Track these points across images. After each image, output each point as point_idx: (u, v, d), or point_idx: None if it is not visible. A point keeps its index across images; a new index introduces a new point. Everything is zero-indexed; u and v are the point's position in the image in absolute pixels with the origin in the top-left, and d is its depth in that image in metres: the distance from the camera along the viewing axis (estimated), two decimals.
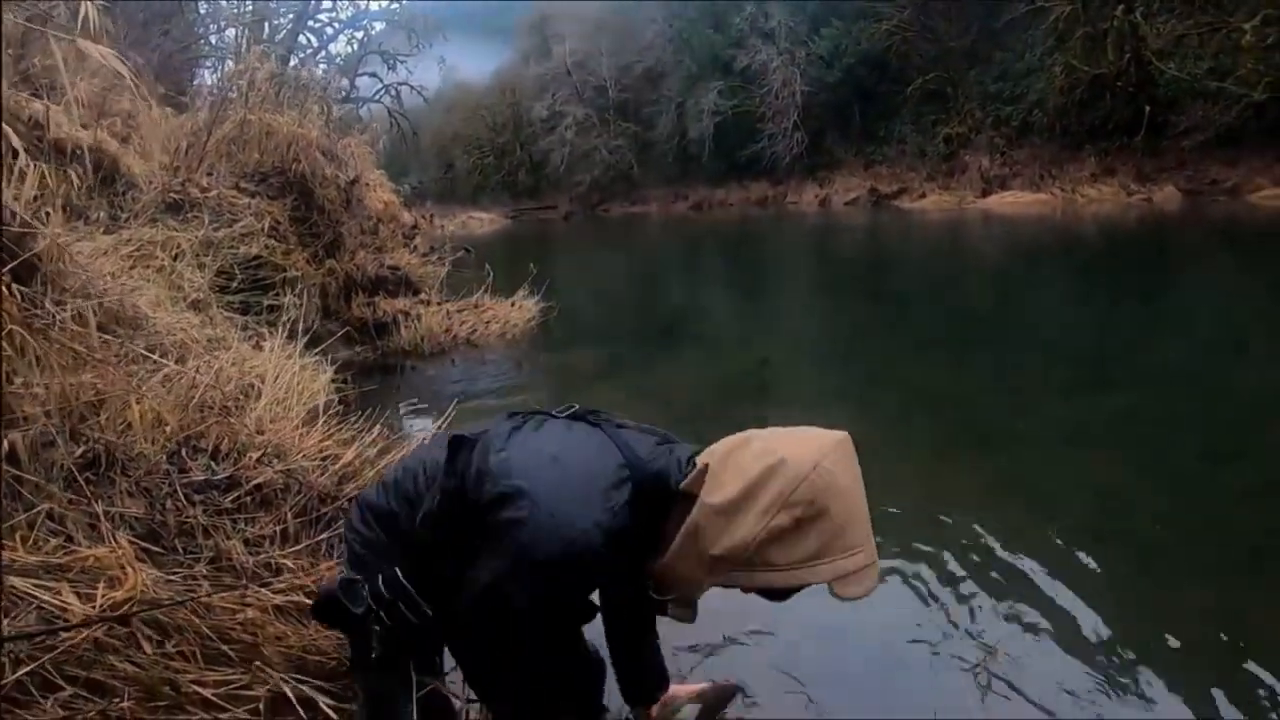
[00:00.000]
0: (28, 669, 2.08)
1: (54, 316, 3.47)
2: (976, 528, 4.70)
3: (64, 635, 2.18)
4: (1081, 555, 4.38)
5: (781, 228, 33.42)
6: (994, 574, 4.22)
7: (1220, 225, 22.71)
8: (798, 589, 1.89)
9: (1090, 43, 32.61)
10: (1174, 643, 3.65)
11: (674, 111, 49.34)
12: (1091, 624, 3.80)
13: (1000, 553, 4.43)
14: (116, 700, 2.14)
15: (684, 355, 10.03)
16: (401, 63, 36.75)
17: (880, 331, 11.22)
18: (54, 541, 2.63)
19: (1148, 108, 30.66)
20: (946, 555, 4.44)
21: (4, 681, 2.03)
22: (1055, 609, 3.93)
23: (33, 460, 3.00)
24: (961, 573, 4.26)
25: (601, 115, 53.85)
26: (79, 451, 3.21)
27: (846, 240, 27.46)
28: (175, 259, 7.11)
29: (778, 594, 1.92)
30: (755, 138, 44.75)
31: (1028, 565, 4.30)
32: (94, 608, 2.36)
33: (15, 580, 2.33)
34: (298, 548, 3.28)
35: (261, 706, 2.42)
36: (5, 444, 2.74)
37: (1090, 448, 6.09)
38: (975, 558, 4.41)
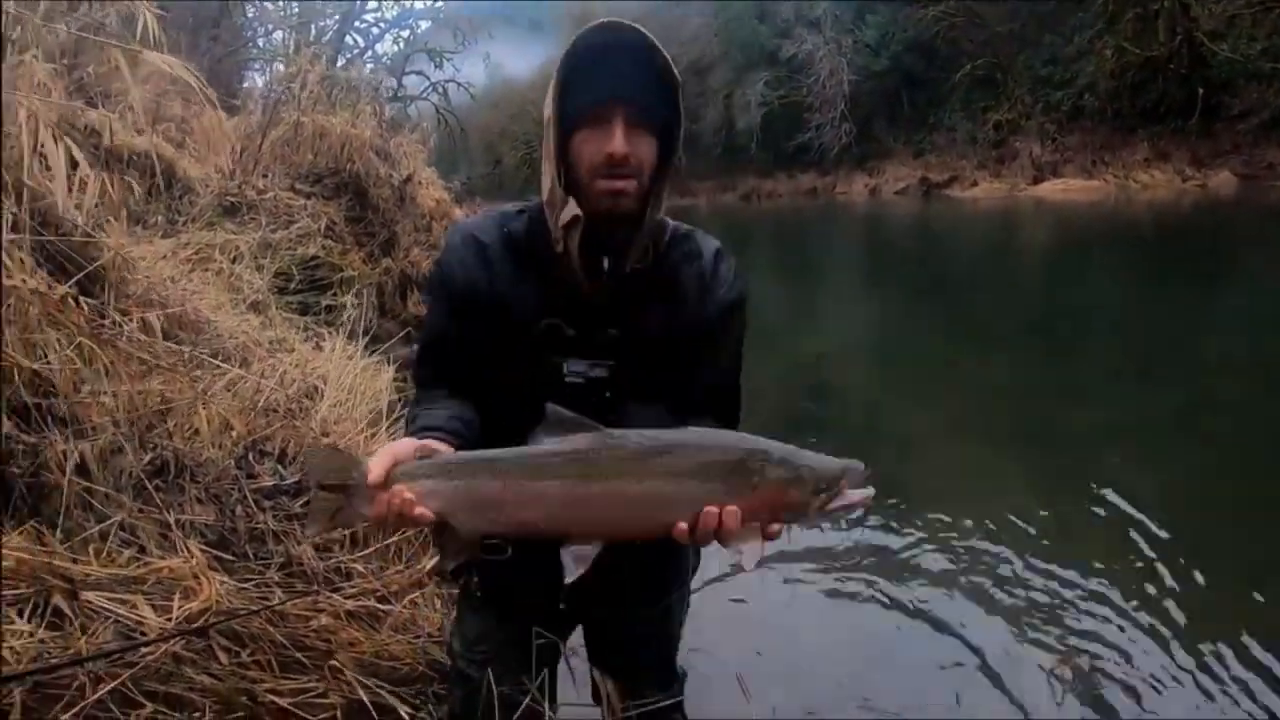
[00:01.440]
0: (108, 687, 2.07)
1: (121, 326, 3.48)
2: (1037, 526, 4.66)
3: (143, 650, 2.17)
4: (1145, 550, 4.35)
5: (831, 219, 33.24)
6: (1060, 573, 4.17)
7: (1278, 210, 22.25)
8: None
9: (1141, 24, 32.09)
10: (1248, 640, 3.59)
11: (721, 103, 49.16)
12: (1162, 623, 3.78)
13: (1062, 551, 4.42)
14: (197, 715, 2.13)
15: (747, 351, 9.97)
16: (448, 60, 36.83)
17: (935, 324, 11.18)
18: (127, 553, 2.63)
19: (1201, 90, 30.12)
20: (1008, 554, 4.46)
21: (85, 702, 2.02)
22: (1123, 608, 3.91)
23: (102, 470, 3.01)
24: (1027, 574, 4.23)
25: None
26: (146, 459, 3.21)
27: (898, 231, 27.29)
28: (234, 261, 7.13)
29: None
30: (803, 128, 44.57)
31: (1092, 564, 4.28)
32: (170, 620, 2.36)
33: (90, 595, 2.33)
34: (366, 551, 3.27)
35: (339, 715, 2.40)
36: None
37: (1150, 441, 6.04)
38: (1038, 559, 4.39)
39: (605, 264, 1.91)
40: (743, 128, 47.15)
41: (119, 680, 2.09)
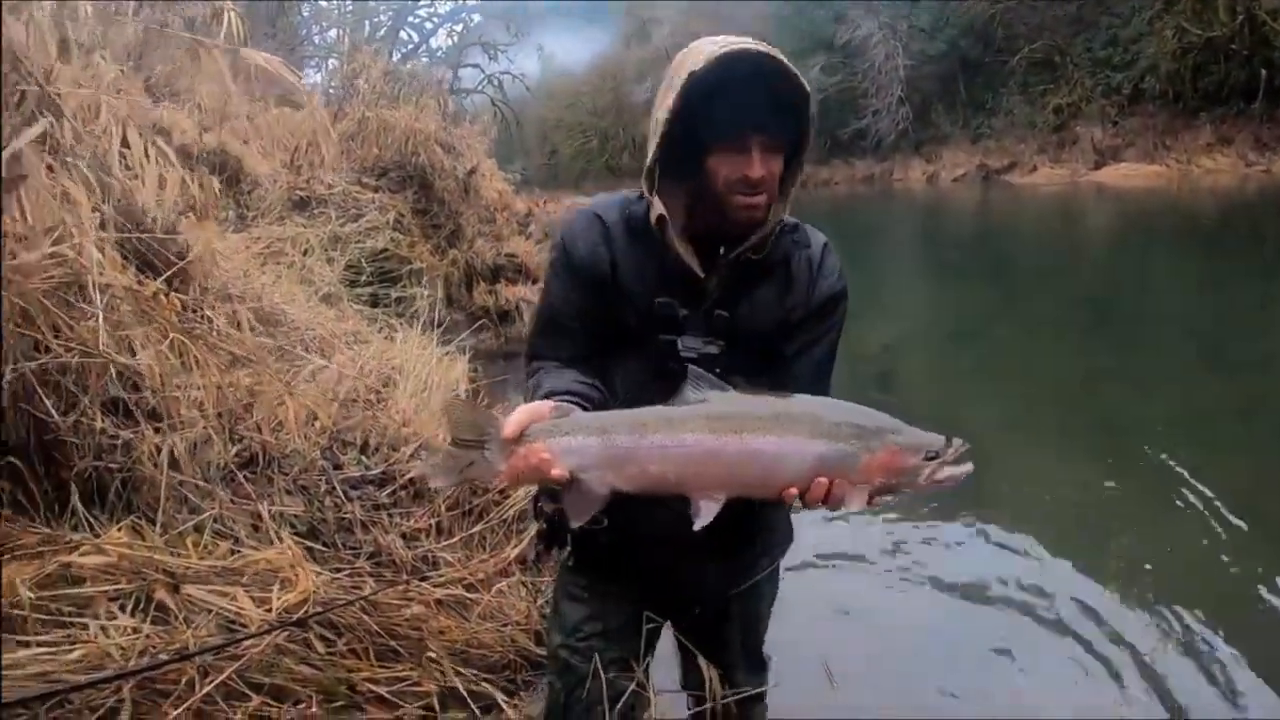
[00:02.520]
0: (215, 681, 2.11)
1: (211, 321, 3.54)
2: (1110, 523, 4.62)
3: (247, 643, 2.21)
4: (1217, 551, 4.28)
5: (889, 206, 32.97)
6: (1134, 571, 4.10)
7: None
8: None
9: (1200, 3, 31.35)
10: None
11: None
12: (1236, 620, 3.71)
13: (1135, 549, 4.35)
14: (302, 705, 2.16)
15: None
16: (502, 52, 37.02)
17: (998, 314, 11.03)
18: (224, 545, 2.67)
19: (1264, 72, 29.40)
20: (1083, 545, 4.43)
21: (193, 697, 2.05)
22: (1210, 602, 3.82)
23: (192, 463, 3.06)
24: (1104, 565, 4.18)
25: None
26: (234, 451, 3.27)
27: (958, 218, 27.00)
28: (305, 255, 7.23)
29: None
30: (859, 114, 44.12)
31: (1165, 561, 4.22)
32: (270, 612, 2.40)
33: (191, 589, 2.37)
34: (452, 540, 3.31)
35: (435, 702, 2.43)
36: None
37: (1219, 435, 5.95)
38: (1114, 559, 4.30)
39: (721, 251, 2.01)
40: None
41: (225, 674, 2.13)
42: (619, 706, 2.18)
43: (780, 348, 2.11)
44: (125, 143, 4.67)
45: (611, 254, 2.06)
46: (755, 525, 2.20)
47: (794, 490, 1.79)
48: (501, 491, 3.57)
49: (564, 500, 1.86)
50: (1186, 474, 5.22)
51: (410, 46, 36.54)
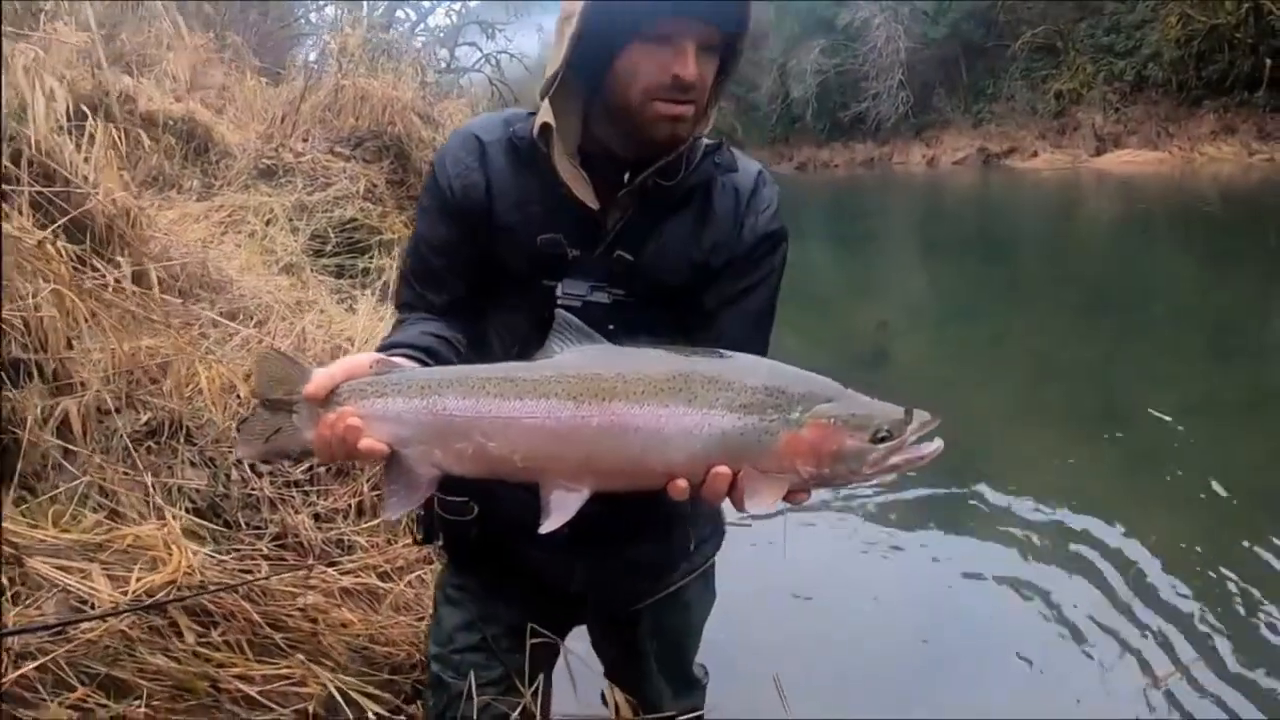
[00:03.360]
0: (34, 664, 1.80)
1: (110, 277, 3.24)
2: (1109, 504, 4.43)
3: (83, 627, 1.90)
4: (1221, 533, 4.10)
5: (889, 189, 32.78)
6: (1136, 561, 3.86)
7: None
8: None
9: None
10: None
11: (776, 72, 48.43)
12: (1239, 604, 3.53)
13: (1135, 536, 4.11)
14: (135, 702, 1.85)
15: (797, 320, 9.70)
16: (500, 31, 36.75)
17: (998, 296, 10.87)
18: (91, 518, 2.37)
19: (1269, 61, 29.12)
20: (1078, 534, 4.19)
21: (4, 679, 1.74)
22: (1204, 591, 3.65)
23: (91, 430, 2.77)
24: (1097, 557, 3.96)
25: None
26: (143, 420, 2.98)
27: (957, 201, 26.84)
28: (268, 224, 6.99)
29: None
30: (859, 97, 43.77)
31: (1167, 547, 4.01)
32: (127, 594, 2.09)
33: (38, 563, 2.06)
34: (374, 523, 3.01)
35: (313, 706, 2.12)
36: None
37: (1223, 419, 5.77)
38: (1111, 540, 4.11)
39: (625, 178, 1.65)
40: (798, 97, 46.34)
41: (49, 657, 1.82)
42: None
43: (699, 299, 1.74)
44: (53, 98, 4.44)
45: (488, 180, 1.70)
46: (664, 514, 1.77)
47: (682, 483, 1.34)
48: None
49: (381, 483, 1.48)
50: (1191, 455, 5.08)
51: (408, 25, 36.28)
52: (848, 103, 44.37)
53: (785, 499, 1.39)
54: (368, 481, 3.14)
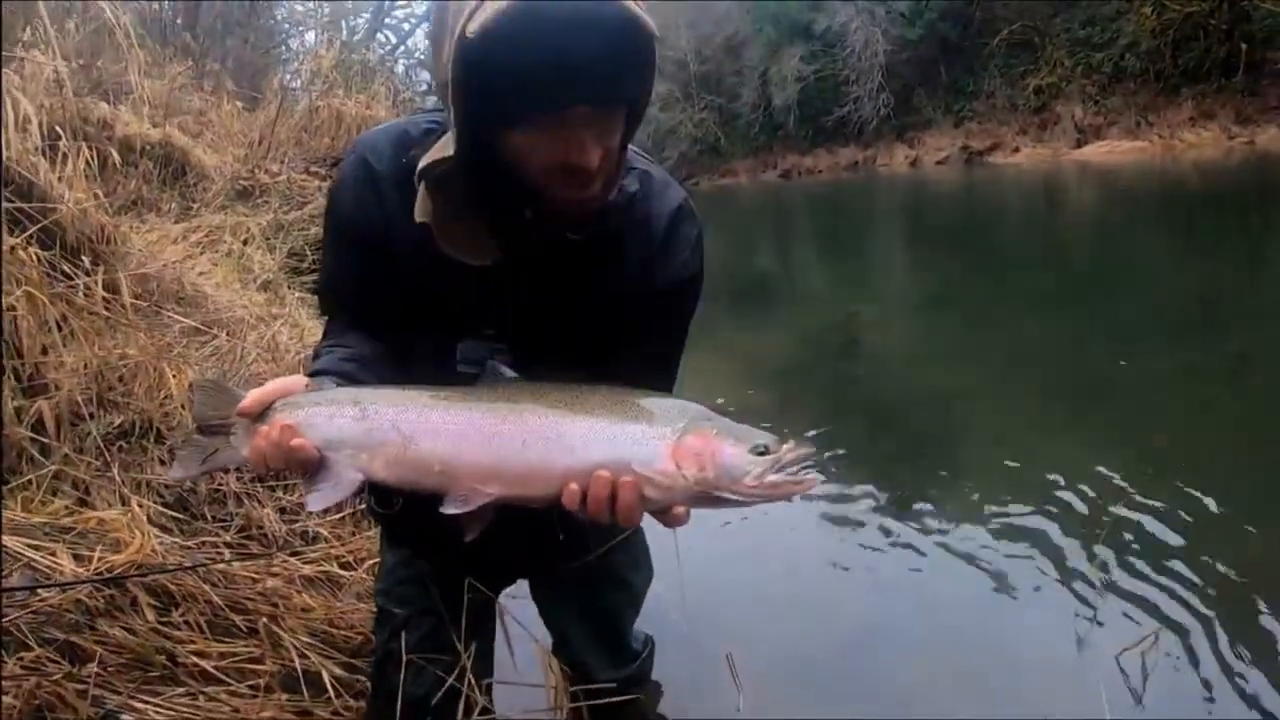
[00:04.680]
0: None
1: (81, 283, 3.33)
2: (1091, 481, 4.37)
3: (43, 594, 1.98)
4: (1204, 506, 4.02)
5: (873, 191, 32.79)
6: (1120, 532, 3.84)
7: None
8: None
9: None
10: None
11: (757, 81, 48.48)
12: (1228, 582, 3.43)
13: (1119, 508, 4.06)
14: (87, 665, 1.93)
15: (775, 315, 9.78)
16: None
17: (977, 283, 10.85)
18: (59, 503, 2.45)
19: (1244, 46, 29.29)
20: (1063, 513, 4.12)
21: None
22: (1186, 565, 3.57)
23: (67, 431, 2.86)
24: (1085, 532, 3.88)
25: (685, 89, 53.05)
26: (118, 422, 3.06)
27: (940, 199, 26.83)
28: (245, 243, 7.08)
29: None
30: (840, 101, 43.89)
31: (1150, 521, 3.95)
32: (88, 570, 2.17)
33: (9, 540, 2.15)
34: (338, 515, 3.08)
35: (268, 682, 2.19)
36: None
37: (1203, 394, 5.73)
38: (1093, 513, 4.06)
39: (527, 214, 1.54)
40: (780, 104, 46.40)
41: (8, 620, 1.90)
42: (441, 690, 1.90)
43: (599, 346, 1.69)
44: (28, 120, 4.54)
45: (383, 220, 1.64)
46: None
47: (574, 486, 1.39)
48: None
49: (306, 485, 1.51)
50: (1172, 424, 5.14)
51: (388, 48, 36.35)
52: (829, 108, 44.45)
53: (664, 518, 1.45)
54: None
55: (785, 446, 1.42)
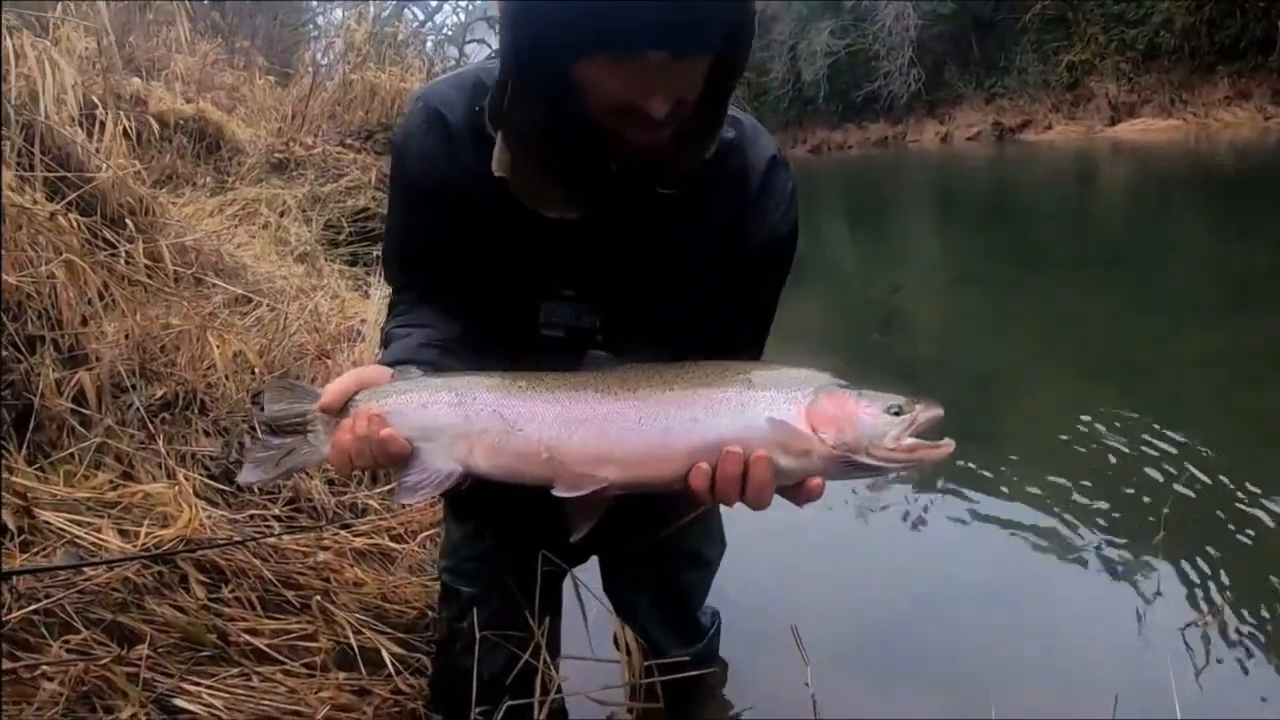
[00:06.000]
0: (34, 607, 1.80)
1: (123, 251, 3.25)
2: (1138, 456, 4.32)
3: (89, 573, 1.90)
4: (1254, 484, 3.91)
5: (903, 166, 32.53)
6: (1174, 509, 3.72)
7: None
8: None
9: None
10: None
11: (786, 55, 48.11)
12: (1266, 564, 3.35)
13: (1169, 483, 4.00)
14: (138, 647, 1.84)
15: (812, 290, 9.64)
16: None
17: (1013, 258, 10.73)
18: (104, 477, 2.37)
19: None
20: (1112, 489, 4.05)
21: (8, 618, 1.74)
22: (1249, 548, 3.48)
23: (105, 402, 2.79)
24: (1137, 508, 3.84)
25: None
26: (159, 393, 2.99)
27: (972, 175, 26.56)
28: (281, 215, 7.06)
29: None
30: (871, 76, 43.47)
31: (1202, 497, 3.88)
32: (136, 546, 2.09)
33: (48, 515, 2.07)
34: (387, 488, 3.00)
35: (323, 660, 2.11)
36: None
37: (1243, 369, 5.64)
38: (1143, 489, 4.01)
39: (612, 168, 1.43)
40: (810, 79, 45.93)
41: (54, 600, 1.82)
42: (514, 668, 1.79)
43: (691, 309, 1.58)
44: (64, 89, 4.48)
45: (458, 168, 1.51)
46: None
47: (704, 465, 1.29)
48: None
49: (398, 479, 1.40)
50: (1212, 404, 5.05)
51: (416, 24, 36.39)
52: (859, 82, 44.01)
53: (795, 493, 1.36)
54: None
55: (919, 406, 1.34)
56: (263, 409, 1.56)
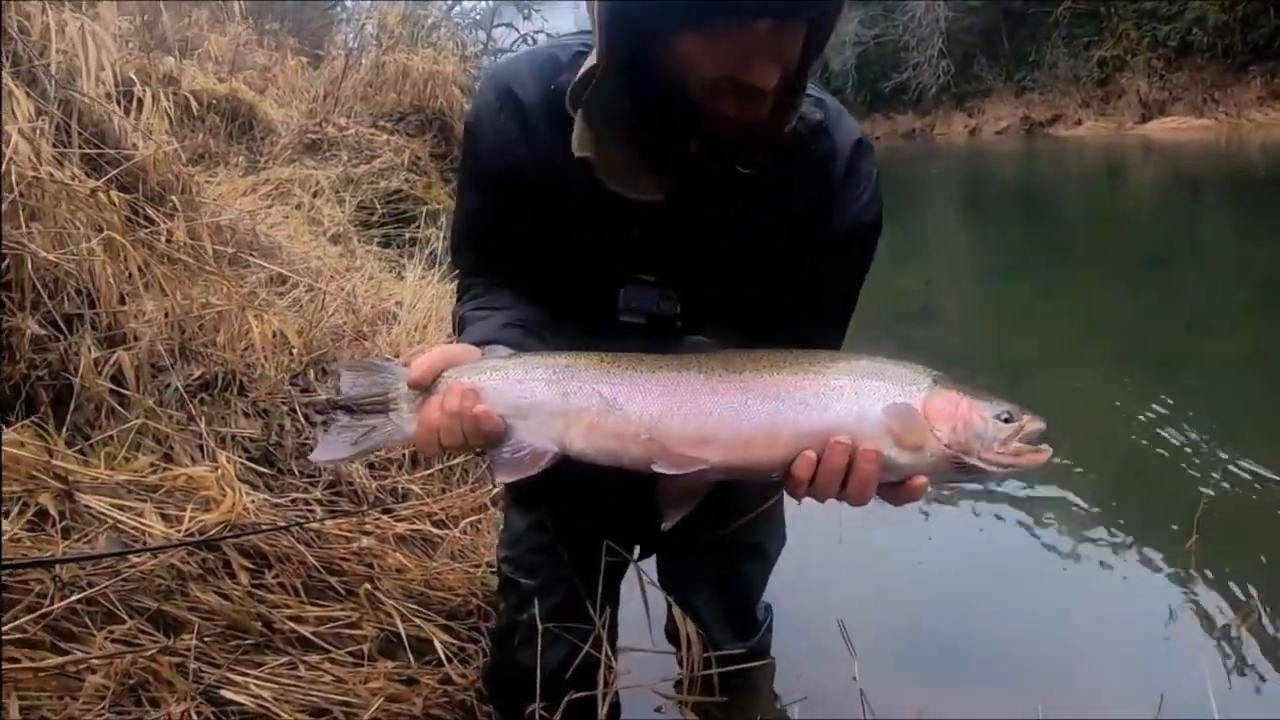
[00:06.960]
0: (78, 596, 1.75)
1: (164, 229, 3.22)
2: (1172, 453, 4.30)
3: (133, 560, 1.85)
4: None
5: (931, 159, 32.32)
6: (1210, 505, 3.67)
7: None
8: None
9: None
10: None
11: None
12: None
13: (1202, 480, 3.98)
14: (184, 637, 1.80)
15: None
16: (536, 11, 36.72)
17: (1045, 255, 10.68)
18: (145, 460, 2.33)
19: None
20: (1146, 485, 4.10)
21: (51, 608, 1.70)
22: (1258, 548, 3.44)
23: (146, 381, 2.75)
24: (1173, 504, 3.75)
25: None
26: (198, 374, 2.95)
27: (1000, 169, 26.41)
28: (314, 196, 7.06)
29: None
30: (899, 68, 43.21)
31: (1235, 494, 3.87)
32: (181, 532, 2.05)
33: (89, 499, 2.03)
34: (427, 472, 2.97)
35: (369, 648, 2.07)
36: None
37: (1275, 370, 5.59)
38: (1178, 485, 3.98)
39: (693, 146, 1.36)
40: (838, 69, 45.68)
41: (97, 589, 1.77)
42: (576, 658, 1.75)
43: (773, 295, 1.53)
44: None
45: (531, 149, 1.48)
46: None
47: (810, 454, 1.24)
48: None
49: (491, 459, 1.36)
50: (1245, 404, 5.02)
51: (444, 8, 36.39)
52: (888, 74, 43.79)
53: (897, 492, 1.31)
54: None
55: (1026, 416, 1.31)
56: (317, 391, 1.50)
